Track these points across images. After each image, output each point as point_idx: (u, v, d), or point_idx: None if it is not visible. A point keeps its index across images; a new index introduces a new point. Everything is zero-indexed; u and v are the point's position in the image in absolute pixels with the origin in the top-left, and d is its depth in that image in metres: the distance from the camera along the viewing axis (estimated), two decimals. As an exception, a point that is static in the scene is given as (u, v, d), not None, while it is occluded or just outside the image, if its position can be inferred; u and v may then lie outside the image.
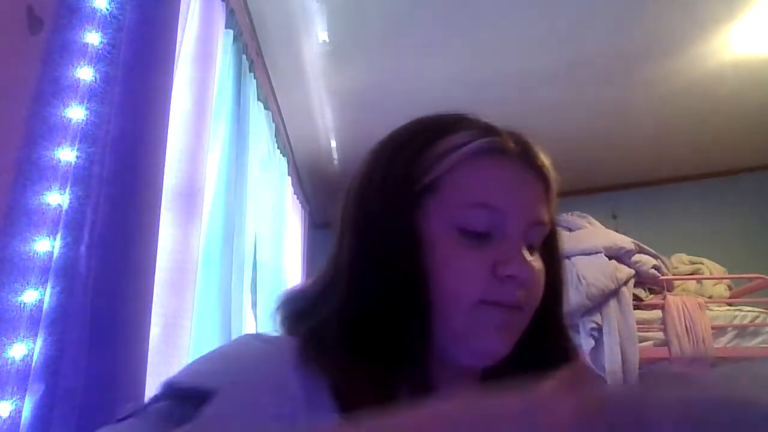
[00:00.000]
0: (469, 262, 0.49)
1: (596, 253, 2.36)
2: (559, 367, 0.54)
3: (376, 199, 0.53)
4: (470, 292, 0.48)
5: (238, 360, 0.47)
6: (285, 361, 0.46)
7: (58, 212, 0.72)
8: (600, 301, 2.23)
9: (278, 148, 2.27)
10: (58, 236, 0.72)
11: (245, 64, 1.68)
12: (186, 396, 0.41)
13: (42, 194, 0.71)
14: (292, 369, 0.45)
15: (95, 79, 0.79)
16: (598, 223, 2.69)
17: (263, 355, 0.47)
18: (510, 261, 0.49)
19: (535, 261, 0.52)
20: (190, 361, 0.99)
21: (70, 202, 0.74)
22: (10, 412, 0.62)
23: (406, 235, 0.50)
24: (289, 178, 2.53)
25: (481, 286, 0.48)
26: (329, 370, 0.46)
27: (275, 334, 0.53)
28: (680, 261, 2.82)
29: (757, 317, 2.28)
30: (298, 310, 0.54)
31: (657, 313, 2.34)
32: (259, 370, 0.45)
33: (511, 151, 0.52)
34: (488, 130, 0.53)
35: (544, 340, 0.54)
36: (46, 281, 0.69)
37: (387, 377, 0.47)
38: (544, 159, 0.54)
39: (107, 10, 0.83)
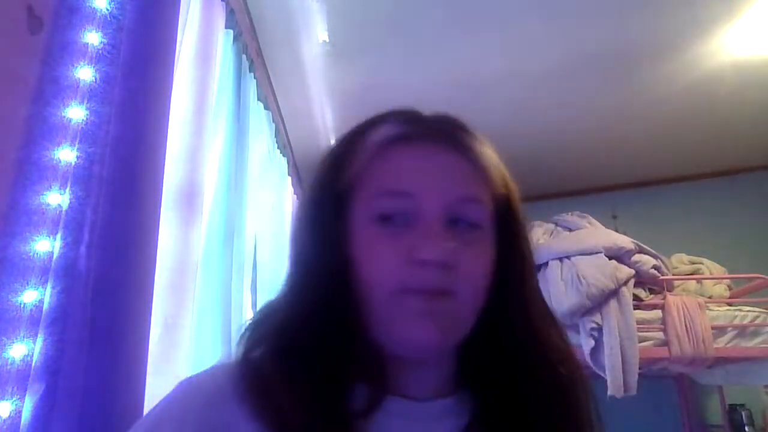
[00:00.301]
0: (384, 250, 0.48)
1: (596, 253, 2.36)
2: (531, 354, 0.52)
3: (308, 206, 0.54)
4: (386, 280, 0.47)
5: (161, 412, 0.48)
6: (216, 394, 0.47)
7: (58, 212, 0.72)
8: (600, 301, 2.23)
9: (278, 147, 2.27)
10: (58, 236, 0.72)
11: (245, 64, 1.68)
12: None
13: (42, 194, 0.70)
14: (216, 399, 0.47)
15: (95, 79, 0.79)
16: (598, 223, 2.69)
17: (185, 402, 0.48)
18: (423, 245, 0.47)
19: (478, 244, 0.50)
20: (189, 360, 1.00)
21: (70, 202, 0.73)
22: (10, 412, 0.61)
23: (331, 236, 0.50)
24: (289, 178, 2.53)
25: (396, 273, 0.47)
26: (258, 388, 0.46)
27: (220, 363, 0.54)
28: (680, 261, 2.82)
29: (757, 317, 2.28)
30: (252, 324, 0.55)
31: (657, 313, 2.34)
32: (187, 411, 0.46)
33: (428, 136, 0.52)
34: (407, 120, 0.54)
35: (509, 327, 0.52)
36: (46, 281, 0.69)
37: (318, 385, 0.46)
38: (472, 139, 0.53)
39: (107, 10, 0.83)
